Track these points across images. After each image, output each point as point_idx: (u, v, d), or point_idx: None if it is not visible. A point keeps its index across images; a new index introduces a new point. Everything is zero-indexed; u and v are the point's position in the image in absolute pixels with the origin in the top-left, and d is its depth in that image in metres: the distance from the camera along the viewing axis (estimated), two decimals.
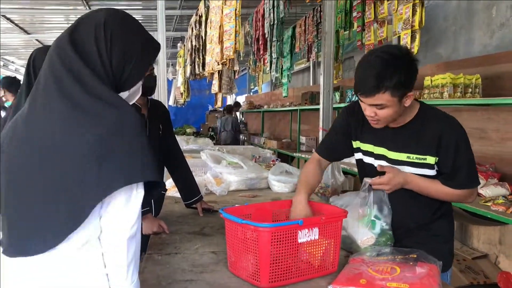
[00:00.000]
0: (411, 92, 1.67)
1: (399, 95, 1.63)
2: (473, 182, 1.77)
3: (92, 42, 1.14)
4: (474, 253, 3.86)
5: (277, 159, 4.53)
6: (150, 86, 2.31)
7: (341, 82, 6.21)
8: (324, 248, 1.61)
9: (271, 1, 5.36)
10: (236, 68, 5.19)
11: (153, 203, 2.41)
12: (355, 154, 1.97)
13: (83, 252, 1.14)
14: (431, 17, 5.10)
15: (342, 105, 5.63)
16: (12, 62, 14.01)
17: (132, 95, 1.28)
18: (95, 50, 1.14)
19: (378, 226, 1.77)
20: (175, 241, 2.03)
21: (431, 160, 1.73)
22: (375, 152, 1.86)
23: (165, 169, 2.61)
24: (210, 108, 14.25)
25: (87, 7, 7.40)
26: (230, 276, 1.64)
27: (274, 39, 5.70)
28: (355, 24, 4.94)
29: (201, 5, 5.55)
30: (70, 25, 1.21)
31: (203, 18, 5.35)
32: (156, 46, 1.29)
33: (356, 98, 1.76)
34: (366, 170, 1.90)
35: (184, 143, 5.24)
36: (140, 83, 1.28)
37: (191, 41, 6.65)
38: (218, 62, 4.43)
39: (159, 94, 4.59)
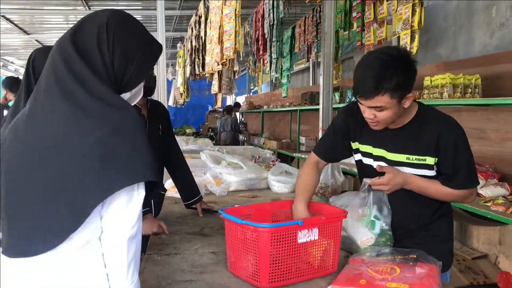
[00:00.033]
0: (410, 93, 1.66)
1: (398, 97, 1.62)
2: (473, 182, 1.77)
3: (94, 43, 1.14)
4: (474, 253, 3.86)
5: (276, 160, 4.52)
6: (149, 86, 2.31)
7: (341, 82, 6.21)
8: (324, 248, 1.61)
9: (271, 2, 5.36)
10: (236, 68, 5.19)
11: (153, 203, 2.41)
12: (354, 155, 1.97)
13: (84, 252, 1.14)
14: (431, 17, 5.10)
15: (342, 105, 5.62)
16: (12, 62, 14.01)
17: (134, 96, 1.28)
18: (97, 51, 1.14)
19: (378, 226, 1.77)
20: (174, 241, 2.03)
21: (430, 160, 1.73)
22: (374, 154, 1.86)
23: (165, 169, 2.61)
24: (210, 108, 14.25)
25: (86, 7, 7.40)
26: (230, 276, 1.64)
27: (274, 39, 5.70)
28: (355, 25, 4.94)
29: (201, 5, 5.55)
30: (71, 25, 1.21)
31: (203, 18, 5.35)
32: (158, 48, 1.29)
33: (356, 98, 1.76)
34: (365, 171, 1.90)
35: (184, 143, 5.25)
36: (142, 84, 1.28)
37: (191, 42, 6.65)
38: (218, 63, 4.43)
39: (159, 95, 4.59)
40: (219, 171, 3.26)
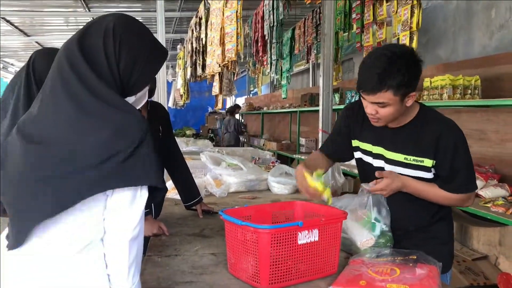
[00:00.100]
0: (413, 92, 1.66)
1: (402, 94, 1.62)
2: (471, 187, 1.76)
3: (100, 46, 1.15)
4: (474, 254, 3.86)
5: (276, 161, 4.52)
6: (150, 88, 2.31)
7: (341, 84, 6.22)
8: (324, 249, 1.61)
9: (271, 3, 5.37)
10: (236, 69, 5.20)
11: (153, 205, 2.41)
12: (354, 153, 1.97)
13: (86, 253, 1.15)
14: (430, 19, 5.11)
15: (342, 106, 5.62)
16: (12, 64, 14.02)
17: (139, 100, 1.29)
18: (103, 55, 1.15)
19: (378, 228, 1.77)
20: (175, 243, 2.03)
21: (428, 163, 1.73)
22: (373, 152, 1.86)
23: (165, 170, 2.61)
24: (210, 110, 14.27)
25: (86, 9, 7.41)
26: (230, 277, 1.64)
27: (274, 40, 5.71)
28: (354, 26, 4.95)
29: (201, 7, 5.55)
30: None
31: (203, 20, 5.36)
32: (163, 52, 1.30)
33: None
34: (365, 169, 1.90)
35: (184, 144, 5.25)
36: (147, 88, 1.29)
37: (191, 43, 6.66)
38: (219, 64, 4.44)
39: (159, 96, 4.60)
40: (219, 173, 3.26)
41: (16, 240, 1.12)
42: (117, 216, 1.14)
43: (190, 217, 2.49)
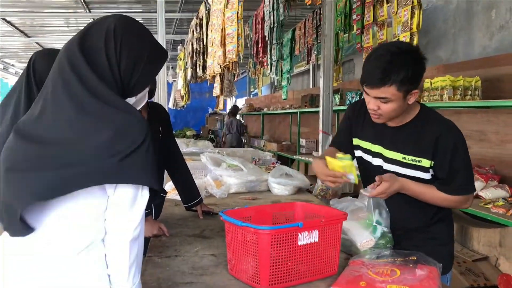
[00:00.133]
0: (416, 89, 1.67)
1: (405, 91, 1.63)
2: (469, 188, 1.76)
3: (101, 47, 1.15)
4: (474, 255, 3.86)
5: (277, 162, 4.52)
6: (150, 89, 2.31)
7: (341, 85, 6.22)
8: (324, 250, 1.61)
9: (271, 4, 5.37)
10: (237, 70, 5.20)
11: (153, 205, 2.41)
12: (355, 152, 1.98)
13: (86, 253, 1.15)
14: (431, 20, 5.11)
15: (342, 107, 5.63)
16: (12, 65, 14.04)
17: (139, 101, 1.29)
18: (104, 56, 1.15)
19: (379, 230, 1.77)
20: (175, 243, 2.03)
21: (426, 163, 1.73)
22: (372, 150, 1.87)
23: (165, 171, 2.61)
24: (210, 110, 14.28)
25: (87, 10, 7.42)
26: (230, 278, 1.64)
27: (274, 41, 5.72)
28: (355, 27, 4.95)
29: (202, 8, 5.56)
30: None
31: (204, 21, 5.36)
32: (163, 54, 1.31)
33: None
34: (366, 168, 1.90)
35: (184, 145, 5.25)
36: (147, 89, 1.30)
37: (192, 44, 6.67)
38: (220, 65, 4.44)
39: (159, 97, 4.61)
40: (219, 173, 3.26)
41: (10, 226, 1.11)
42: (118, 216, 1.15)
43: (190, 218, 2.49)
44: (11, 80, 15.30)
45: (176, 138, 2.75)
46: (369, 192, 1.75)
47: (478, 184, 3.29)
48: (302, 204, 1.94)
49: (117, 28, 1.18)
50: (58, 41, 9.59)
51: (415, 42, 3.46)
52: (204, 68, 5.91)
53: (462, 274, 3.56)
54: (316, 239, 1.58)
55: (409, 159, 1.75)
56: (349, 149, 2.02)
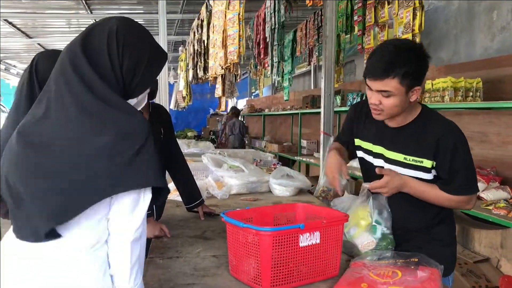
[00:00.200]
0: (419, 86, 1.67)
1: (407, 85, 1.63)
2: (471, 188, 1.75)
3: (104, 49, 1.16)
4: (476, 257, 3.85)
5: (278, 163, 4.52)
6: (151, 90, 2.31)
7: (342, 86, 6.22)
8: (325, 251, 1.61)
9: (272, 5, 5.37)
10: (238, 72, 5.21)
11: (154, 207, 2.42)
12: (357, 152, 1.98)
13: (91, 254, 1.15)
14: (432, 21, 5.11)
15: (343, 108, 5.63)
16: (14, 66, 14.05)
17: (139, 102, 1.30)
18: (106, 57, 1.16)
19: (379, 231, 1.77)
20: (176, 245, 2.03)
21: (427, 163, 1.73)
22: (373, 151, 1.87)
23: (167, 172, 2.61)
24: (212, 111, 14.28)
25: (88, 11, 7.42)
26: (232, 280, 1.64)
27: (275, 43, 5.71)
28: (356, 28, 4.95)
29: (203, 9, 5.57)
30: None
31: (205, 22, 5.37)
32: (163, 55, 1.32)
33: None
34: (367, 169, 1.91)
35: (185, 146, 5.25)
36: (148, 90, 1.30)
37: (193, 45, 6.67)
38: (221, 67, 4.44)
39: (160, 98, 4.61)
40: (220, 174, 3.27)
41: (33, 236, 1.13)
42: (120, 217, 1.15)
43: (192, 219, 2.49)
44: (12, 81, 15.32)
45: (177, 139, 2.75)
46: (370, 184, 1.77)
47: (479, 186, 3.28)
48: (304, 205, 1.94)
49: (120, 30, 1.19)
50: (59, 42, 9.60)
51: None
52: (205, 69, 5.92)
53: (463, 276, 3.56)
54: (318, 241, 1.58)
55: (410, 159, 1.75)
56: (353, 148, 2.03)
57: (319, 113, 4.49)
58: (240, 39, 4.05)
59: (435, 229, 1.84)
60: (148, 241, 2.04)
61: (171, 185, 2.71)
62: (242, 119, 12.63)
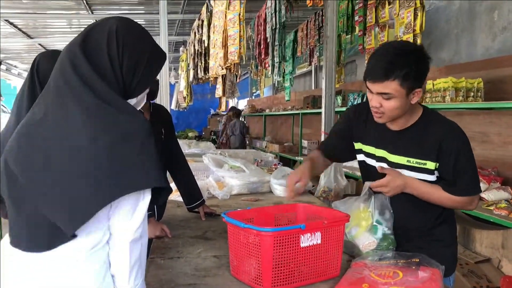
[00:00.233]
0: (420, 88, 1.66)
1: (408, 87, 1.62)
2: (474, 189, 1.76)
3: (104, 49, 1.16)
4: (477, 257, 3.85)
5: (279, 163, 4.53)
6: (152, 90, 2.32)
7: (343, 86, 6.22)
8: (326, 252, 1.61)
9: (273, 6, 5.38)
10: (239, 72, 5.20)
11: (155, 207, 2.41)
12: (357, 156, 1.96)
13: (90, 254, 1.15)
14: (433, 21, 5.11)
15: (344, 109, 5.63)
16: (15, 66, 14.08)
17: (139, 102, 1.30)
18: (106, 57, 1.16)
19: (380, 231, 1.77)
20: (177, 245, 2.03)
21: (431, 165, 1.72)
22: (376, 155, 1.86)
23: (168, 173, 2.61)
24: (212, 112, 14.29)
25: (89, 11, 7.43)
26: (233, 280, 1.64)
27: (276, 43, 5.71)
28: (357, 28, 4.95)
29: (204, 9, 5.57)
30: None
31: (206, 22, 5.37)
32: (162, 55, 1.32)
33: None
34: (369, 172, 1.90)
35: (186, 147, 5.25)
36: (147, 90, 1.30)
37: (194, 46, 6.67)
38: (222, 67, 4.44)
39: (161, 98, 4.61)
40: (221, 175, 3.27)
41: (19, 243, 1.13)
42: (119, 217, 1.15)
43: (193, 219, 2.49)
44: (14, 82, 15.34)
45: (178, 139, 2.75)
46: (372, 183, 1.77)
47: (480, 186, 3.28)
48: (304, 205, 1.94)
49: (119, 30, 1.19)
50: (60, 43, 9.60)
51: (418, 43, 3.46)
52: (205, 70, 5.92)
53: (464, 276, 3.55)
54: (319, 241, 1.58)
55: (413, 162, 1.75)
56: (344, 152, 2.02)
57: (320, 113, 4.50)
58: (240, 39, 4.05)
59: (437, 230, 1.84)
60: (149, 241, 2.05)
61: (172, 185, 2.71)
62: (243, 120, 12.64)
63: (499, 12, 4.18)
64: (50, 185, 1.09)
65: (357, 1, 4.85)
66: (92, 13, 7.53)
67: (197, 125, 14.81)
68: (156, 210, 2.46)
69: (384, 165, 1.83)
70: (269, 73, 6.63)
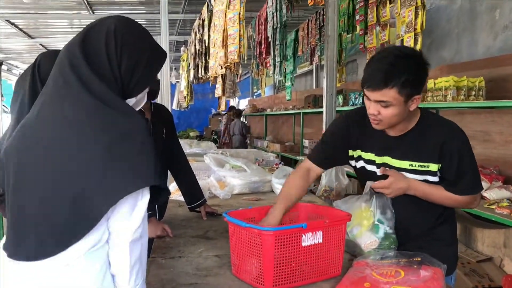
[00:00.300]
0: (418, 95, 1.64)
1: (406, 95, 1.60)
2: (476, 188, 1.76)
3: (102, 48, 1.16)
4: (479, 256, 3.84)
5: (280, 163, 4.52)
6: (153, 89, 2.32)
7: (344, 85, 6.21)
8: (328, 251, 1.61)
9: (274, 5, 5.37)
10: (239, 71, 5.20)
11: (157, 206, 2.42)
12: (356, 163, 1.92)
13: (90, 254, 1.15)
14: (434, 20, 5.10)
15: (345, 108, 5.62)
16: (16, 66, 14.07)
17: (138, 102, 1.30)
18: (105, 57, 1.16)
19: (382, 230, 1.77)
20: (179, 244, 2.03)
21: (433, 167, 1.72)
22: (377, 162, 1.83)
23: (169, 172, 2.62)
24: (213, 111, 14.30)
25: (90, 11, 7.43)
26: (234, 279, 1.64)
27: (277, 42, 5.71)
28: (358, 27, 4.94)
29: (204, 9, 5.56)
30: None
31: (206, 22, 5.36)
32: (162, 54, 1.31)
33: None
34: (368, 177, 1.87)
35: (188, 146, 5.26)
36: (147, 90, 1.30)
37: (195, 45, 6.67)
38: (221, 66, 4.44)
39: (162, 98, 4.60)
40: (222, 174, 3.27)
41: (30, 253, 1.12)
42: (119, 217, 1.15)
43: (194, 219, 2.49)
44: (15, 82, 15.34)
45: (179, 139, 2.75)
46: (374, 183, 1.76)
47: (482, 185, 3.28)
48: (306, 205, 1.94)
49: (118, 29, 1.18)
50: (62, 43, 9.58)
51: (419, 42, 3.45)
52: (206, 69, 5.91)
53: (466, 275, 3.55)
54: (320, 240, 1.58)
55: (416, 165, 1.73)
56: (339, 160, 1.99)
57: (321, 112, 4.49)
58: (240, 38, 4.04)
59: (437, 230, 1.84)
60: (150, 241, 2.05)
61: (174, 185, 2.71)
62: (244, 119, 12.65)
63: (501, 11, 4.18)
64: (49, 186, 1.09)
65: (357, 0, 4.84)
66: (93, 13, 7.53)
67: (198, 125, 14.82)
68: (157, 210, 2.46)
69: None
70: (270, 72, 6.63)
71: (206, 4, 5.45)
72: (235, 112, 11.02)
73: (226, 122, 11.24)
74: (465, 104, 3.58)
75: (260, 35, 6.12)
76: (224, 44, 4.27)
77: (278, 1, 5.16)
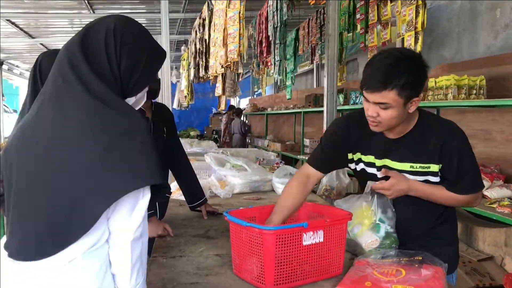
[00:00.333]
0: (418, 97, 1.64)
1: (405, 97, 1.59)
2: (477, 187, 1.76)
3: (102, 47, 1.15)
4: (480, 255, 3.84)
5: (281, 162, 4.52)
6: (154, 89, 2.31)
7: (345, 84, 6.21)
8: (329, 250, 1.61)
9: (275, 4, 5.37)
10: (240, 71, 5.19)
11: (157, 206, 2.42)
12: (356, 166, 1.91)
13: (90, 253, 1.15)
14: (435, 19, 5.10)
15: (346, 107, 5.62)
16: (17, 66, 14.08)
17: (138, 101, 1.29)
18: (104, 56, 1.15)
19: (383, 229, 1.77)
20: (179, 244, 2.03)
21: (434, 168, 1.71)
22: (377, 164, 1.82)
23: (170, 172, 2.62)
24: (214, 111, 14.31)
25: (91, 11, 7.44)
26: (235, 278, 1.64)
27: (278, 41, 5.70)
28: (359, 26, 4.94)
29: (205, 8, 5.56)
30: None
31: (207, 21, 5.36)
32: (162, 53, 1.31)
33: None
34: (368, 179, 1.87)
35: (188, 146, 5.26)
36: (146, 89, 1.30)
37: (195, 44, 6.67)
38: (222, 65, 4.44)
39: (163, 97, 4.61)
40: (223, 174, 3.27)
41: (30, 253, 1.12)
42: (119, 216, 1.15)
43: (195, 218, 2.50)
44: (16, 81, 15.35)
45: (180, 138, 2.75)
46: (375, 184, 1.75)
47: (483, 183, 3.28)
48: (307, 204, 1.94)
49: (117, 28, 1.18)
50: (62, 42, 9.50)
51: (420, 41, 3.45)
52: (206, 68, 5.91)
53: (467, 274, 3.55)
54: (321, 239, 1.58)
55: (417, 167, 1.73)
56: (339, 163, 1.99)
57: (322, 111, 4.49)
58: (240, 37, 4.04)
59: (438, 229, 1.84)
60: (151, 240, 2.05)
61: (174, 184, 2.71)
62: (244, 119, 12.65)
63: (501, 10, 4.17)
64: (49, 186, 1.09)
65: None
66: (94, 12, 7.53)
67: (199, 124, 14.82)
68: (158, 209, 2.46)
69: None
70: (271, 71, 6.62)
71: (206, 3, 5.45)
72: (234, 111, 11.03)
73: (226, 121, 11.24)
74: (466, 103, 3.58)
75: (260, 34, 6.12)
76: (225, 43, 4.27)
77: (279, 0, 5.16)
